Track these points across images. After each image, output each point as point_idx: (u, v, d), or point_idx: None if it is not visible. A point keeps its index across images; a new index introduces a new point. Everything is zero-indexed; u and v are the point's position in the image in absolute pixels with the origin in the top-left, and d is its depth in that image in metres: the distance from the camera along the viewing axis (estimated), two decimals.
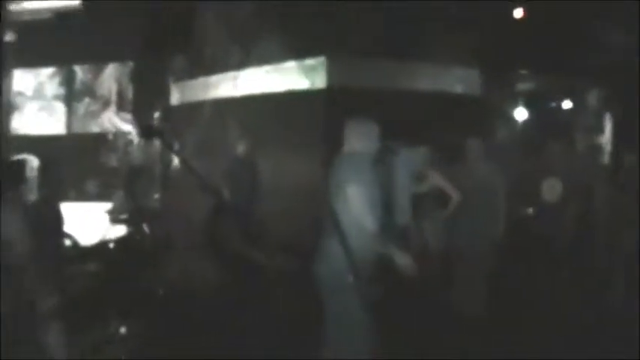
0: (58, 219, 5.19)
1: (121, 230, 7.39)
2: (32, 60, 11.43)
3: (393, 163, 4.70)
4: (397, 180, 4.69)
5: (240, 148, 6.88)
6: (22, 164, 5.08)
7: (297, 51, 8.56)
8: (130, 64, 11.70)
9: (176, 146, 6.31)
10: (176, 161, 7.07)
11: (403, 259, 4.22)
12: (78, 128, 11.91)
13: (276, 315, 5.52)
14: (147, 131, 5.79)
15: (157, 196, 8.49)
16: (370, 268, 4.33)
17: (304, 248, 5.21)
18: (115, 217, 7.92)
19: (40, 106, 12.30)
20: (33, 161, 5.50)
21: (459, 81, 9.31)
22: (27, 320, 3.07)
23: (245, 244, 5.79)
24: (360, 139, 4.56)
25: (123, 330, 5.28)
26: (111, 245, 6.48)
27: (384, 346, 4.40)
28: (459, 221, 5.97)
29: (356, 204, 4.29)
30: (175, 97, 10.57)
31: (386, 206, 4.45)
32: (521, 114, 10.38)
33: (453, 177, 5.97)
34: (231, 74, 9.40)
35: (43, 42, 10.60)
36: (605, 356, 4.90)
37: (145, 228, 7.10)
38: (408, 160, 4.96)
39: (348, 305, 4.38)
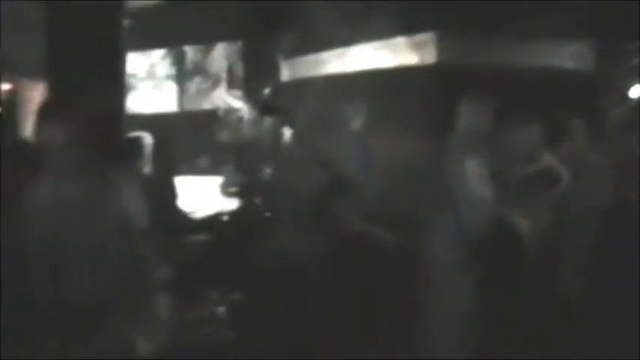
0: (171, 192, 5.37)
1: (231, 203, 7.57)
2: (144, 43, 11.74)
3: (505, 142, 4.68)
4: (510, 159, 4.67)
5: (353, 125, 6.90)
6: (137, 141, 5.28)
7: (407, 27, 8.50)
8: (240, 42, 11.88)
9: (292, 123, 6.35)
10: (287, 137, 7.12)
11: (525, 224, 4.20)
12: (189, 106, 12.22)
13: (383, 292, 5.54)
14: (265, 108, 5.90)
15: (267, 170, 8.60)
16: (483, 245, 4.35)
17: (416, 225, 5.23)
18: (225, 191, 8.13)
19: (152, 86, 12.66)
20: (147, 138, 5.70)
21: (572, 57, 9.06)
22: (140, 291, 3.18)
23: (361, 221, 5.81)
24: (473, 118, 4.56)
25: (228, 303, 5.42)
26: (222, 218, 6.64)
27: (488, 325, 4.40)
28: (568, 202, 5.85)
29: (474, 181, 4.29)
30: (285, 74, 10.66)
31: (499, 185, 4.44)
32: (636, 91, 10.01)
33: (561, 156, 5.85)
34: (340, 51, 9.42)
35: (154, 25, 10.88)
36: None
37: (256, 201, 7.25)
38: (521, 139, 4.92)
39: (458, 284, 4.41)
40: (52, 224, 2.95)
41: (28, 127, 4.50)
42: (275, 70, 10.79)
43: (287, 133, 7.72)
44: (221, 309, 5.26)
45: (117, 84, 4.85)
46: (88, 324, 2.92)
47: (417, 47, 8.58)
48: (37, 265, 3.03)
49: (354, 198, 6.32)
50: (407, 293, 5.06)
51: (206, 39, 12.12)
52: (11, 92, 7.81)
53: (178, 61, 12.57)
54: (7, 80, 8.61)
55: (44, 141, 2.91)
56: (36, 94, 7.29)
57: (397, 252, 5.16)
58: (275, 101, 6.97)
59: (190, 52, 12.56)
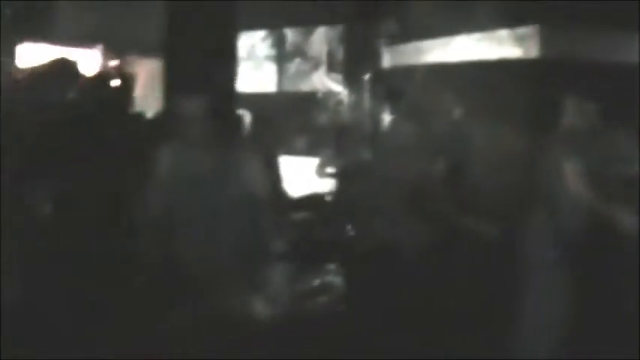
0: (274, 170, 5.53)
1: (328, 184, 7.70)
2: (245, 24, 11.91)
3: (608, 142, 4.63)
4: (610, 158, 4.62)
5: (454, 115, 6.94)
6: (238, 119, 5.45)
7: (511, 19, 8.45)
8: (340, 27, 11.97)
9: (409, 108, 6.42)
10: (387, 121, 7.19)
11: (627, 220, 4.18)
12: (289, 87, 12.38)
13: (478, 286, 5.53)
14: (388, 92, 6.01)
15: (365, 154, 8.70)
16: (582, 243, 4.32)
17: (512, 220, 5.23)
18: (322, 172, 8.26)
19: (252, 66, 12.86)
20: (247, 116, 5.87)
21: None
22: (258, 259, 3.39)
23: (461, 211, 5.85)
24: (576, 115, 4.54)
25: (327, 281, 5.54)
26: (319, 198, 6.77)
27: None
28: None
29: (573, 179, 4.29)
30: (386, 61, 10.70)
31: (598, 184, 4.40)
32: None
33: None
34: (442, 40, 9.42)
35: (255, 6, 11.04)
36: None
37: (353, 184, 7.35)
38: (623, 137, 4.86)
39: (555, 282, 4.39)
40: (179, 190, 3.19)
41: (144, 101, 4.73)
42: (375, 56, 10.84)
43: (387, 118, 7.78)
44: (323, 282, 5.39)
45: (231, 62, 5.00)
46: (202, 289, 3.13)
47: (521, 40, 8.52)
48: (156, 228, 3.27)
49: (454, 187, 6.36)
50: (502, 289, 5.07)
51: (307, 22, 12.24)
52: (128, 68, 8.18)
53: (278, 42, 12.74)
54: (125, 56, 8.99)
55: (180, 112, 3.14)
56: (151, 69, 7.60)
57: (497, 247, 5.18)
58: (400, 86, 7.03)
59: (290, 34, 12.71)
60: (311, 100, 11.76)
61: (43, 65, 4.11)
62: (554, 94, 4.77)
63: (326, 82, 11.93)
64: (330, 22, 12.06)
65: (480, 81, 8.29)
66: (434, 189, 6.30)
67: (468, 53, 9.06)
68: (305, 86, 12.23)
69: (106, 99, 4.15)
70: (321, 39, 12.29)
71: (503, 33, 8.72)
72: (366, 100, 10.57)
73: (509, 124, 7.81)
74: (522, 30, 8.54)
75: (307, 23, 12.22)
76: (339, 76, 11.71)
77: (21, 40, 7.07)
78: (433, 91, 8.31)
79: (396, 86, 7.11)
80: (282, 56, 12.56)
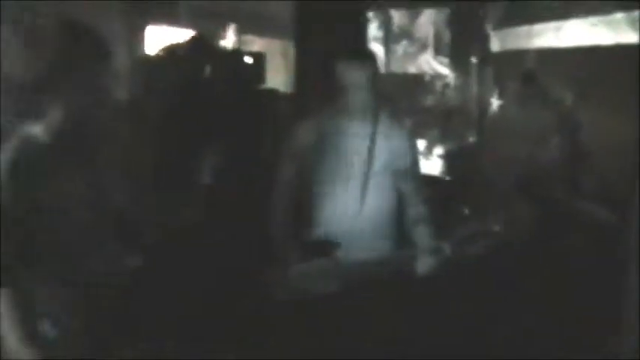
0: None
1: (435, 166, 7.76)
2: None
3: None
4: None
5: (564, 101, 6.89)
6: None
7: (626, 3, 8.27)
8: (447, 9, 11.92)
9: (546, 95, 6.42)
10: (494, 105, 7.21)
11: None
12: (396, 68, 12.41)
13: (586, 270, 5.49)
14: (528, 76, 6.03)
15: (471, 138, 8.72)
16: None
17: (623, 207, 5.16)
18: (428, 154, 8.33)
19: None
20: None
21: None
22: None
23: (573, 197, 5.83)
24: None
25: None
26: (428, 179, 6.84)
27: None
28: None
29: None
30: (495, 44, 10.62)
31: None
32: None
33: None
34: (554, 24, 9.28)
35: None
36: None
37: (460, 167, 7.41)
38: None
39: None
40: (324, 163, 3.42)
41: (273, 79, 4.86)
42: (483, 40, 10.76)
43: (495, 103, 7.77)
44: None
45: (359, 42, 5.09)
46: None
47: (636, 24, 8.32)
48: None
49: (562, 172, 6.33)
50: (615, 278, 5.01)
51: (413, 3, 12.24)
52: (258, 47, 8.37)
53: (385, 24, 12.76)
54: (256, 36, 9.22)
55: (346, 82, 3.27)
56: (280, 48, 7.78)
57: (614, 234, 5.12)
58: (531, 71, 7.02)
59: (397, 16, 12.72)
60: (418, 83, 11.79)
61: (178, 44, 4.28)
62: None
63: (433, 65, 11.92)
64: (437, 4, 12.02)
65: (594, 67, 8.16)
66: (545, 174, 6.26)
67: (582, 38, 8.90)
68: (412, 68, 12.24)
69: (238, 77, 4.31)
70: (428, 21, 12.27)
71: (619, 17, 8.53)
72: (474, 84, 10.53)
73: (621, 111, 7.68)
74: (638, 14, 8.34)
75: (414, 5, 12.21)
76: (446, 59, 11.69)
77: (152, 21, 7.33)
78: (544, 76, 8.23)
79: (529, 71, 7.10)
80: (389, 38, 12.58)
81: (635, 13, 8.29)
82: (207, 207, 3.52)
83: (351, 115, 3.41)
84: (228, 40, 8.72)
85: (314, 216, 3.53)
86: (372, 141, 3.41)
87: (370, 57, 3.58)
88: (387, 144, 3.48)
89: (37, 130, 2.20)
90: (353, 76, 3.32)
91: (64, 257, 2.21)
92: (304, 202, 3.55)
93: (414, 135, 3.90)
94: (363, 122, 3.42)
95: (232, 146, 3.59)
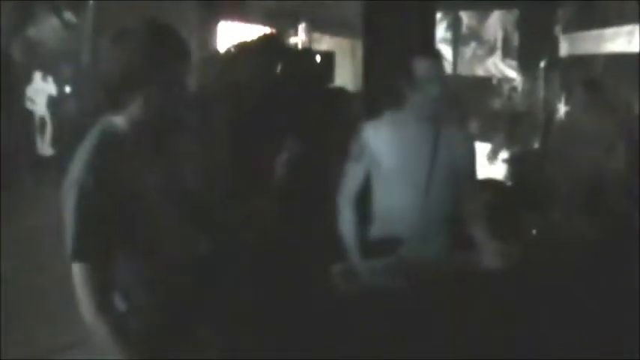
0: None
1: (499, 170, 7.74)
2: None
3: None
4: None
5: (631, 109, 6.82)
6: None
7: None
8: (516, 11, 11.86)
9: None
10: (562, 111, 7.17)
11: None
12: (464, 71, 12.39)
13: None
14: (590, 84, 5.99)
15: (539, 143, 8.66)
16: None
17: None
18: (493, 158, 8.31)
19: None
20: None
21: None
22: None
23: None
24: None
25: None
26: (494, 183, 6.84)
27: None
28: None
29: None
30: (564, 48, 10.53)
31: None
32: None
33: None
34: (627, 28, 9.14)
35: None
36: None
37: (526, 172, 7.37)
38: None
39: None
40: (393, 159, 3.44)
41: (343, 77, 4.93)
42: (552, 43, 10.68)
43: (562, 108, 7.71)
44: None
45: (427, 42, 5.11)
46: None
47: None
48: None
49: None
50: None
51: (482, 6, 12.20)
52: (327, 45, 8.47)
53: (454, 25, 12.75)
54: (325, 35, 9.33)
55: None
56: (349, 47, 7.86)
57: None
58: (600, 79, 6.97)
59: (466, 17, 12.70)
60: (485, 85, 11.76)
61: (250, 42, 4.36)
62: None
63: (501, 68, 11.87)
64: (506, 6, 11.97)
65: None
66: (609, 184, 6.19)
67: None
68: (480, 71, 12.21)
69: (308, 75, 4.37)
70: (496, 23, 12.22)
71: None
72: (541, 88, 10.47)
73: None
74: None
75: (483, 7, 12.17)
76: (514, 63, 11.63)
77: (223, 17, 7.48)
78: (614, 82, 8.14)
79: (593, 78, 7.00)
80: (457, 39, 12.57)
81: None
82: (278, 200, 3.58)
83: (419, 114, 3.45)
84: (299, 38, 8.84)
85: (379, 213, 3.57)
86: (437, 140, 3.45)
87: (439, 56, 3.59)
88: (451, 143, 3.51)
89: (118, 120, 2.35)
90: (422, 74, 3.34)
91: (138, 237, 2.34)
92: (369, 199, 3.59)
93: (474, 135, 3.90)
94: (429, 121, 3.47)
95: (302, 142, 3.64)
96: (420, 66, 3.37)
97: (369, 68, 4.88)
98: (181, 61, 2.38)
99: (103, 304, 2.25)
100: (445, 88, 3.47)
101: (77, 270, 2.24)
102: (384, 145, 3.47)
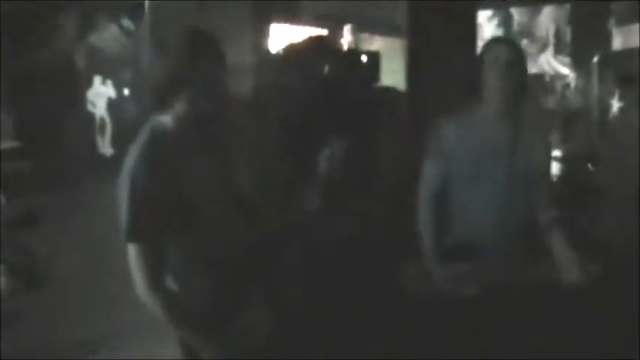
0: None
1: (554, 170, 7.70)
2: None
3: None
4: None
5: None
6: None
7: None
8: (568, 6, 11.78)
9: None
10: (615, 108, 7.14)
11: None
12: None
13: None
14: (619, 78, 5.99)
15: (594, 141, 8.61)
16: None
17: None
18: None
19: (479, 46, 12.91)
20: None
21: None
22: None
23: None
24: None
25: None
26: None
27: None
28: None
29: None
30: (617, 42, 10.43)
31: None
32: None
33: None
34: None
35: None
36: None
37: (579, 170, 7.34)
38: None
39: None
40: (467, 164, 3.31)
41: (388, 77, 5.01)
42: (605, 38, 10.59)
43: (615, 105, 7.67)
44: None
45: (471, 42, 5.19)
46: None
47: None
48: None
49: None
50: None
51: (534, 1, 12.14)
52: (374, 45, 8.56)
53: (505, 22, 12.71)
54: (371, 35, 9.44)
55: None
56: (394, 47, 7.95)
57: None
58: (631, 72, 6.92)
59: (517, 14, 12.64)
60: (538, 83, 11.69)
61: (298, 44, 4.51)
62: None
63: (553, 64, 11.79)
64: (557, 1, 11.89)
65: None
66: None
67: None
68: (532, 68, 12.15)
69: (356, 74, 4.49)
70: (548, 19, 12.14)
71: None
72: (595, 85, 10.38)
73: None
74: None
75: (535, 2, 12.11)
76: (567, 59, 11.55)
77: (274, 20, 7.65)
78: None
79: (627, 72, 6.95)
80: (508, 36, 12.52)
81: None
82: (327, 197, 3.63)
83: (497, 112, 3.23)
84: (346, 39, 8.94)
85: (455, 215, 3.44)
86: (516, 142, 3.27)
87: (516, 45, 3.37)
88: (529, 146, 3.32)
89: (165, 119, 2.60)
90: (497, 64, 3.13)
91: (187, 225, 2.56)
92: (446, 202, 3.45)
93: (550, 137, 3.70)
94: (508, 120, 3.25)
95: (348, 140, 3.71)
96: (496, 54, 3.18)
97: (415, 67, 4.96)
98: (217, 64, 2.62)
99: (156, 282, 2.50)
100: (523, 82, 3.24)
101: (131, 250, 2.49)
102: (461, 143, 3.31)
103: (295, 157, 3.67)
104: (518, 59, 3.22)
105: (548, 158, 3.58)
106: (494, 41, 3.49)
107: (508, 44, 3.35)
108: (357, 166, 3.81)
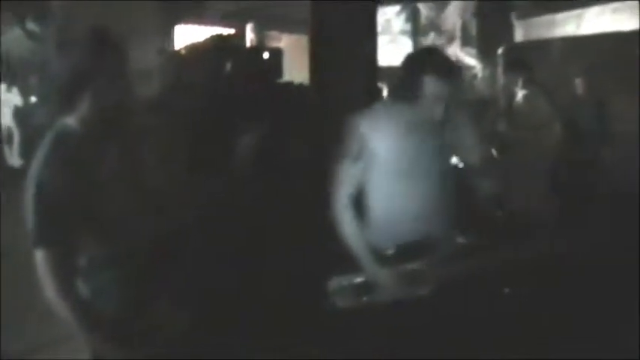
0: None
1: None
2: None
3: None
4: None
5: (581, 87, 7.04)
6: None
7: None
8: (474, 1, 12.06)
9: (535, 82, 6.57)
10: (519, 96, 7.35)
11: None
12: None
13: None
14: (514, 65, 6.18)
15: (501, 127, 8.84)
16: None
17: None
18: None
19: (388, 40, 13.09)
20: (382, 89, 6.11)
21: None
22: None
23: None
24: None
25: None
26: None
27: None
28: None
29: None
30: (519, 34, 10.75)
31: None
32: None
33: None
34: (576, 12, 9.41)
35: None
36: None
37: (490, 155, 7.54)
38: None
39: None
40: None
41: (291, 73, 5.05)
42: (509, 30, 10.89)
43: (520, 92, 7.89)
44: None
45: (372, 38, 5.25)
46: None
47: None
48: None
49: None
50: None
51: None
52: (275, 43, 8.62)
53: (413, 17, 12.92)
54: (274, 32, 9.47)
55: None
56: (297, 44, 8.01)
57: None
58: (526, 59, 7.15)
59: (425, 8, 12.87)
60: None
61: (202, 42, 4.53)
62: None
63: (461, 56, 12.05)
64: None
65: (615, 52, 8.27)
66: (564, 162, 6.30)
67: (603, 25, 9.02)
68: None
69: (259, 71, 4.53)
70: (455, 13, 12.40)
71: (636, 3, 8.65)
72: (500, 74, 10.65)
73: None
74: None
75: None
76: (474, 51, 11.82)
77: (178, 21, 7.63)
78: (567, 63, 8.36)
79: (524, 60, 7.19)
80: (416, 30, 12.74)
81: None
82: (234, 196, 3.61)
83: (422, 113, 3.09)
84: (250, 37, 8.97)
85: (378, 215, 3.24)
86: (442, 131, 3.15)
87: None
88: (456, 136, 3.23)
89: (70, 120, 2.53)
90: (431, 86, 3.02)
91: (97, 224, 2.52)
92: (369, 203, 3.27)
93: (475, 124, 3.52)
94: (432, 114, 3.08)
95: (254, 136, 3.69)
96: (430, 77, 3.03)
97: (319, 63, 4.99)
98: (120, 61, 2.57)
99: (65, 288, 2.42)
100: (455, 94, 3.15)
101: (39, 256, 2.42)
102: (383, 140, 3.16)
103: (202, 152, 3.68)
104: (453, 72, 3.15)
105: (476, 148, 3.37)
106: (430, 51, 3.55)
107: (443, 58, 3.21)
108: (265, 162, 3.84)
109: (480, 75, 11.41)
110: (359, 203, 3.21)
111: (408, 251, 3.12)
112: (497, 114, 8.63)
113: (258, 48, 6.31)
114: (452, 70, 3.12)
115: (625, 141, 6.96)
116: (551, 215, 6.18)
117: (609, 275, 5.11)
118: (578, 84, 7.23)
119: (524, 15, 10.70)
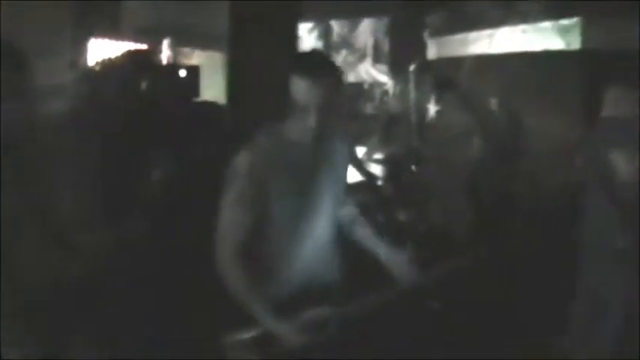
0: None
1: (374, 171, 7.96)
2: None
3: None
4: None
5: (494, 103, 7.18)
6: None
7: (553, 11, 8.63)
8: (386, 19, 12.18)
9: (448, 97, 6.67)
10: (432, 111, 7.45)
11: None
12: None
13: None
14: (443, 83, 6.25)
15: (412, 143, 8.93)
16: None
17: (560, 211, 5.33)
18: (369, 159, 8.54)
19: None
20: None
21: None
22: None
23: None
24: (619, 104, 4.59)
25: None
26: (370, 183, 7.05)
27: None
28: None
29: (621, 169, 4.32)
30: (432, 52, 10.90)
31: None
32: None
33: None
34: (488, 32, 9.61)
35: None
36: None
37: (401, 170, 7.61)
38: None
39: (613, 274, 4.40)
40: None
41: (206, 91, 4.96)
42: (421, 48, 11.02)
43: (432, 108, 7.99)
44: None
45: (291, 54, 5.22)
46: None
47: (563, 32, 8.69)
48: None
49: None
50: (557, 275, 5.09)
51: (353, 14, 12.46)
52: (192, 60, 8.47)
53: (325, 34, 12.96)
54: (190, 48, 9.31)
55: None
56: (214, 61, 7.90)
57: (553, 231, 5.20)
58: (456, 78, 7.26)
59: (337, 26, 12.92)
60: (358, 91, 12.00)
61: (116, 58, 4.41)
62: (596, 84, 4.84)
63: (372, 73, 12.14)
64: (375, 14, 12.25)
65: (523, 71, 8.46)
66: (481, 173, 6.40)
67: (514, 44, 9.24)
68: (352, 77, 12.46)
69: (175, 89, 4.43)
70: (367, 31, 12.49)
71: (547, 25, 8.90)
72: (412, 90, 10.76)
73: (550, 113, 7.97)
74: (564, 22, 8.72)
75: (353, 15, 12.42)
76: (385, 67, 11.93)
77: (91, 36, 7.42)
78: (478, 81, 8.52)
79: (443, 76, 7.31)
80: (328, 48, 12.77)
81: (561, 21, 8.67)
82: (153, 219, 3.43)
83: (298, 137, 2.88)
84: (166, 53, 8.81)
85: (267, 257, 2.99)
86: (321, 156, 2.99)
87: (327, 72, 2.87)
88: (334, 157, 3.08)
89: None
90: (300, 98, 2.77)
91: (6, 269, 2.32)
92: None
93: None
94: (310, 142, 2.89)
95: (172, 158, 3.55)
96: (306, 78, 2.78)
97: (235, 82, 4.92)
98: (23, 76, 2.36)
99: None
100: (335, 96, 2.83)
101: None
102: (266, 175, 2.90)
103: (117, 179, 3.52)
104: (329, 76, 2.83)
105: (347, 162, 3.26)
106: (306, 55, 3.25)
107: (319, 60, 2.98)
108: (180, 188, 3.69)
109: (391, 91, 11.49)
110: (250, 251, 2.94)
111: (308, 297, 2.96)
112: (410, 130, 8.73)
113: (176, 65, 6.19)
114: (324, 72, 2.80)
115: (539, 155, 7.11)
116: (470, 228, 6.28)
117: (529, 284, 5.24)
118: (492, 100, 7.38)
119: (437, 33, 10.85)
